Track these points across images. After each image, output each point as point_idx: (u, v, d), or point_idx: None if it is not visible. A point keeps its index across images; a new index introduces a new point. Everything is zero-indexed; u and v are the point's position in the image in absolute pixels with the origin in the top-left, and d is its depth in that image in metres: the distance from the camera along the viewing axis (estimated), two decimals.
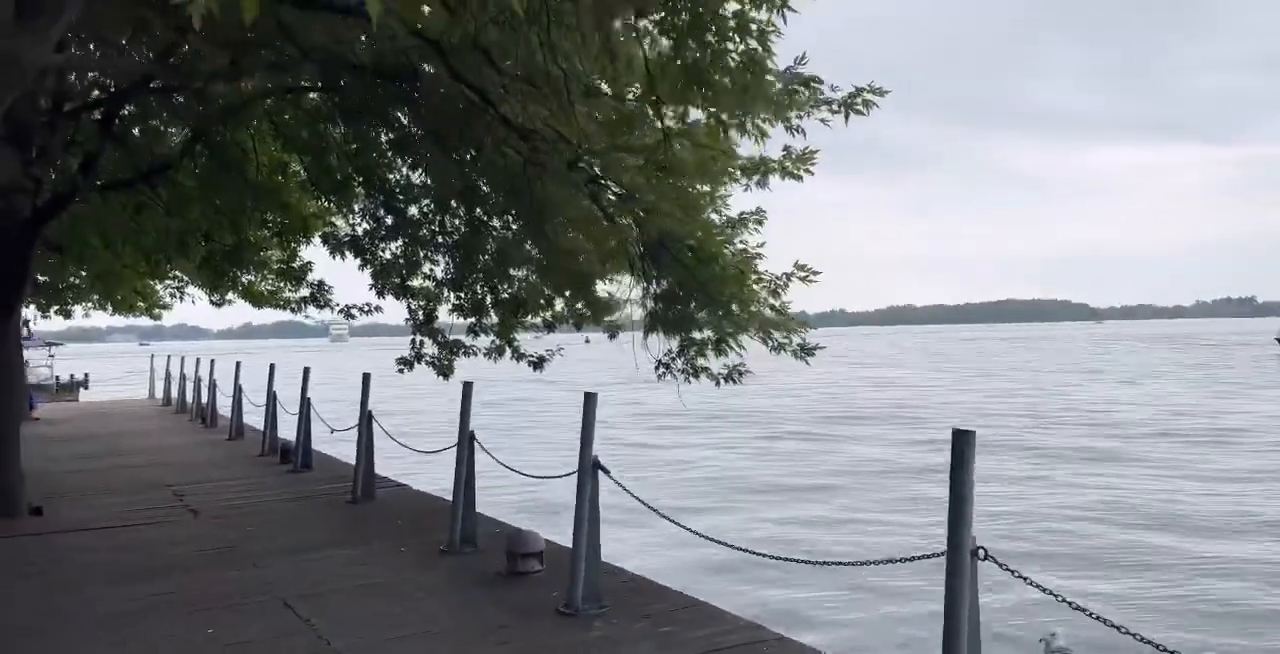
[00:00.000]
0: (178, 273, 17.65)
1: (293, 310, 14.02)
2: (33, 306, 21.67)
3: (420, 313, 10.96)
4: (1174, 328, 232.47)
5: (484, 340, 11.14)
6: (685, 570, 10.73)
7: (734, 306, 6.60)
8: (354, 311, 10.78)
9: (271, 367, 13.76)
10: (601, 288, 10.83)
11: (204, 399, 19.71)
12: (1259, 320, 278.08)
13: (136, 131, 9.12)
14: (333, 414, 12.58)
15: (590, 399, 5.85)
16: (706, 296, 6.76)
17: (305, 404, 11.99)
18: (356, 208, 10.38)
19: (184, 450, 14.66)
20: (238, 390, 16.32)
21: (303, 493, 10.27)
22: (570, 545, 5.77)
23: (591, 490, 5.72)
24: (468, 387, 7.50)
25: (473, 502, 7.47)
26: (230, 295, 14.61)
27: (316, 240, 11.48)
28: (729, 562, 10.83)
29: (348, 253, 10.86)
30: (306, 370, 12.09)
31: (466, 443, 7.47)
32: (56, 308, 21.76)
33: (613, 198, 6.97)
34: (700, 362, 7.48)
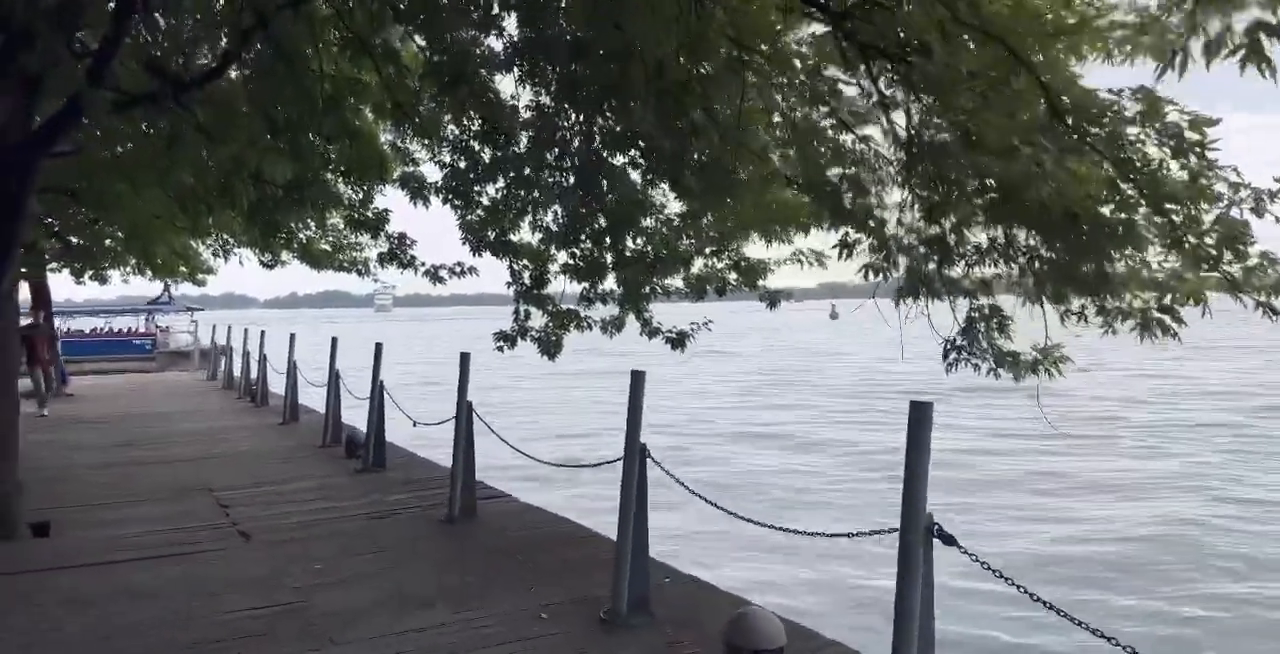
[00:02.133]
0: (223, 235, 15.56)
1: (359, 272, 11.78)
2: (66, 271, 19.71)
3: (526, 275, 8.59)
4: None
5: (601, 310, 8.84)
6: None
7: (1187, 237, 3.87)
8: (443, 273, 8.42)
9: (334, 341, 11.50)
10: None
11: (253, 374, 17.60)
12: None
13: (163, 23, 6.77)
14: (402, 395, 10.26)
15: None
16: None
17: (378, 389, 9.70)
18: (448, 138, 7.99)
19: (231, 437, 12.49)
20: (292, 367, 14.09)
21: (381, 505, 7.98)
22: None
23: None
24: (638, 378, 5.10)
25: (644, 544, 5.10)
26: (284, 255, 12.36)
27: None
28: None
29: (434, 198, 8.51)
30: (379, 347, 9.78)
31: (637, 456, 5.08)
32: (91, 273, 19.75)
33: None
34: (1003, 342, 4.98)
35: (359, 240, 11.00)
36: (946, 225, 5.09)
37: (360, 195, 8.36)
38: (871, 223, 5.69)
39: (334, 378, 11.62)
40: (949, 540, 3.46)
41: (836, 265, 6.07)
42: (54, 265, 19.35)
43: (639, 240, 8.27)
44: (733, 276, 8.23)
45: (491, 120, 7.62)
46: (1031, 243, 4.66)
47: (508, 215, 8.41)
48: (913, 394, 4.47)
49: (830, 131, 5.97)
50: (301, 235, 11.04)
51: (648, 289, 8.18)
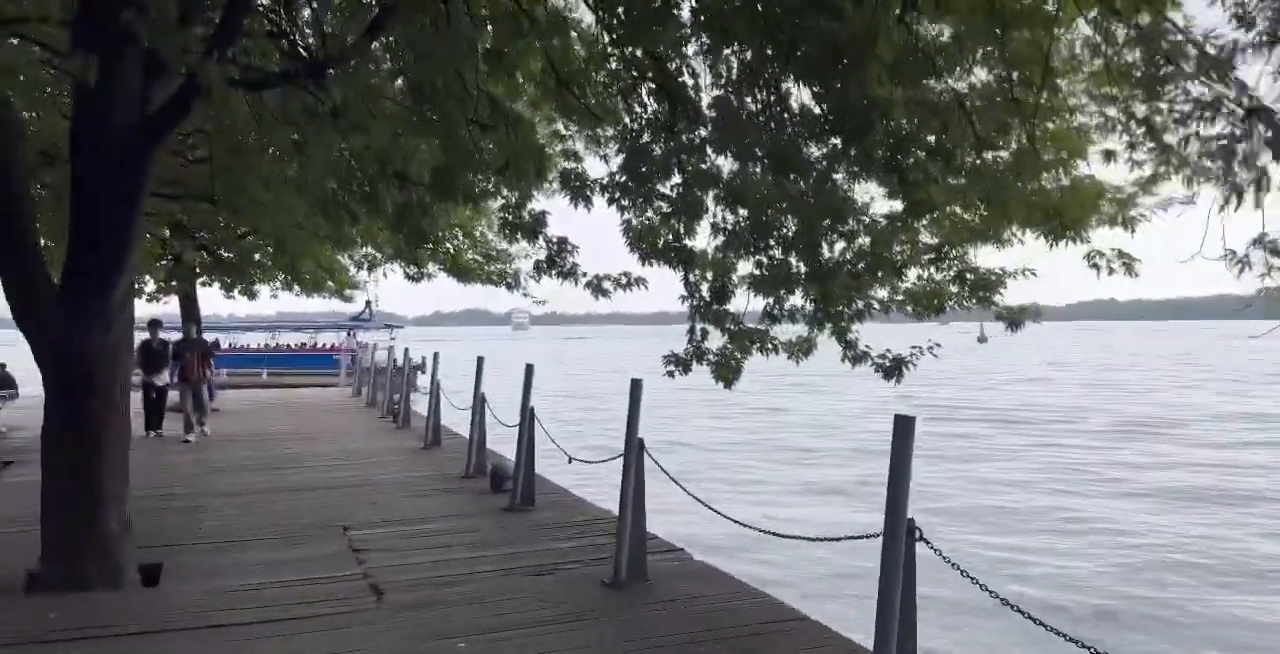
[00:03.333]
0: (368, 248, 14.92)
1: (509, 285, 10.75)
2: (216, 285, 19.59)
3: (704, 287, 7.29)
4: None
5: (786, 328, 7.49)
6: None
7: None
8: (607, 285, 7.19)
9: (479, 361, 10.46)
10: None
11: (395, 394, 16.91)
12: None
13: None
14: (552, 421, 9.06)
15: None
16: None
17: (528, 416, 8.55)
18: (623, 123, 6.78)
19: (370, 462, 11.62)
20: (435, 387, 13.18)
21: (531, 558, 6.75)
22: None
23: None
24: (906, 423, 3.67)
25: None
26: (431, 267, 11.45)
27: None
28: None
29: (596, 198, 7.32)
30: (529, 370, 8.64)
31: (902, 535, 3.65)
32: (240, 287, 19.56)
33: None
34: None
35: (509, 249, 9.96)
36: None
37: (515, 196, 7.24)
38: None
39: (479, 402, 10.57)
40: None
41: None
42: (204, 279, 19.29)
43: (841, 245, 6.87)
44: (955, 289, 6.69)
45: (674, 100, 6.37)
46: None
47: (682, 217, 7.13)
48: None
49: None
50: (449, 245, 10.07)
51: (854, 305, 6.73)
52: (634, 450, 6.11)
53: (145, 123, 5.66)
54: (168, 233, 15.12)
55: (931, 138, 6.24)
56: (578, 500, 8.87)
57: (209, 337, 53.23)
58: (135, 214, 5.86)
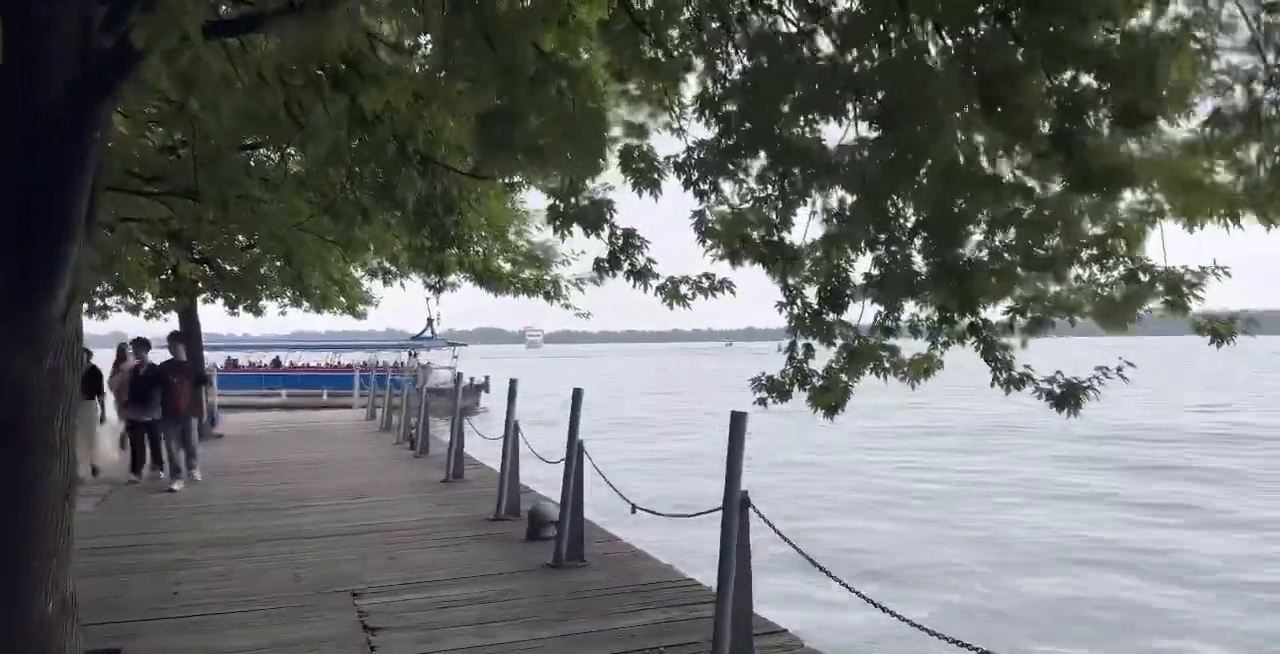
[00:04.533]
0: (382, 259, 13.51)
1: (547, 295, 9.30)
2: (220, 300, 18.22)
3: (809, 292, 5.81)
4: None
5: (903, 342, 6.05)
6: None
7: None
8: (685, 289, 5.70)
9: (513, 384, 8.98)
10: None
11: (412, 418, 15.44)
12: None
13: None
14: (598, 445, 7.53)
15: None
16: None
17: (575, 452, 7.07)
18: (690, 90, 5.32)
19: (385, 500, 10.14)
20: (457, 415, 11.69)
21: (591, 645, 5.25)
22: None
23: None
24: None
25: None
26: (454, 277, 10.01)
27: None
28: None
29: (665, 179, 5.86)
30: (577, 395, 7.15)
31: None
32: (246, 303, 18.19)
33: None
34: None
35: (552, 250, 8.51)
36: None
37: (569, 178, 5.75)
38: None
39: (512, 429, 9.08)
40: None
41: None
42: (206, 295, 17.93)
43: (979, 237, 5.39)
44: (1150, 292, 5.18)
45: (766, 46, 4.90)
46: None
47: (780, 202, 5.67)
48: None
49: None
50: (478, 247, 8.64)
51: (1026, 314, 5.23)
52: (736, 506, 4.61)
53: (87, 75, 4.22)
54: (167, 244, 13.74)
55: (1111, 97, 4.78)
56: (634, 553, 7.36)
57: (242, 355, 51.62)
58: (77, 202, 4.40)
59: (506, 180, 6.70)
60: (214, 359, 47.13)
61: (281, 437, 17.87)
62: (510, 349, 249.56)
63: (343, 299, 17.39)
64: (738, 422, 4.63)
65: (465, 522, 8.81)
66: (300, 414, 25.43)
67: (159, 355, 11.90)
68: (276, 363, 45.98)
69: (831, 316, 5.68)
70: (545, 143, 5.30)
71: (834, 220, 5.48)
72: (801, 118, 5.16)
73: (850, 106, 4.92)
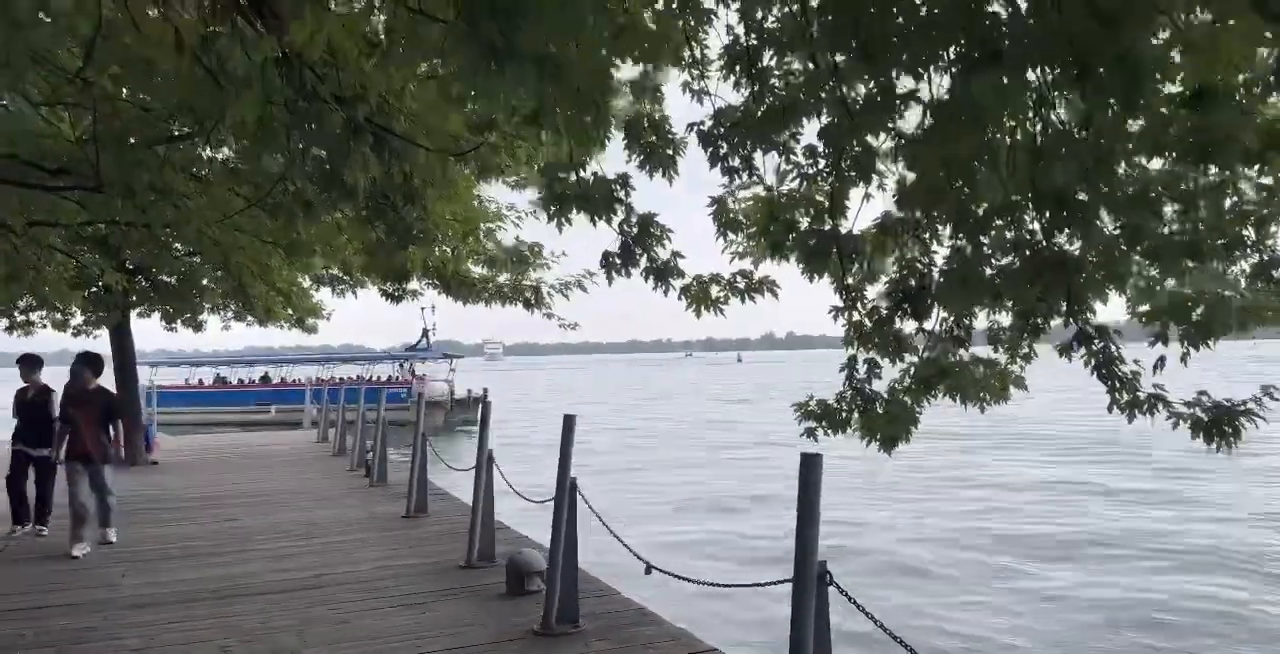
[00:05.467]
0: (331, 265, 12.16)
1: (527, 303, 8.03)
2: (157, 315, 16.69)
3: (871, 294, 4.66)
4: None
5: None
6: None
7: None
8: (716, 290, 4.50)
9: (484, 407, 7.71)
10: None
11: (369, 443, 14.03)
12: None
13: None
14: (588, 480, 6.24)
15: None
16: None
17: (567, 490, 5.81)
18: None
19: (335, 541, 8.80)
20: (420, 441, 10.33)
21: None
22: None
23: None
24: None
25: None
26: (415, 283, 8.71)
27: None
28: None
29: (683, 155, 4.67)
30: (569, 422, 5.89)
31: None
32: (185, 317, 16.69)
33: None
34: None
35: (523, 256, 7.26)
36: None
37: (566, 146, 4.52)
38: None
39: (486, 460, 7.80)
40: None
41: None
42: (141, 309, 16.40)
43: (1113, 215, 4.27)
44: None
45: None
46: None
47: (829, 182, 4.50)
48: None
49: None
50: (444, 247, 7.37)
51: (1175, 318, 4.10)
52: (811, 577, 3.40)
53: None
54: (88, 253, 12.26)
55: None
56: (640, 613, 6.11)
57: (225, 371, 49.35)
58: None
59: (483, 152, 5.41)
60: (200, 375, 45.58)
61: (224, 463, 16.34)
62: (469, 363, 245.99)
63: (289, 311, 15.97)
64: (810, 465, 3.42)
65: (430, 571, 7.50)
66: (247, 436, 23.80)
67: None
68: (265, 379, 44.54)
69: (902, 325, 4.50)
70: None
71: (908, 201, 4.32)
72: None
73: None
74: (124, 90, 6.01)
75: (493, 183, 6.69)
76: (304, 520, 9.96)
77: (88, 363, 8.72)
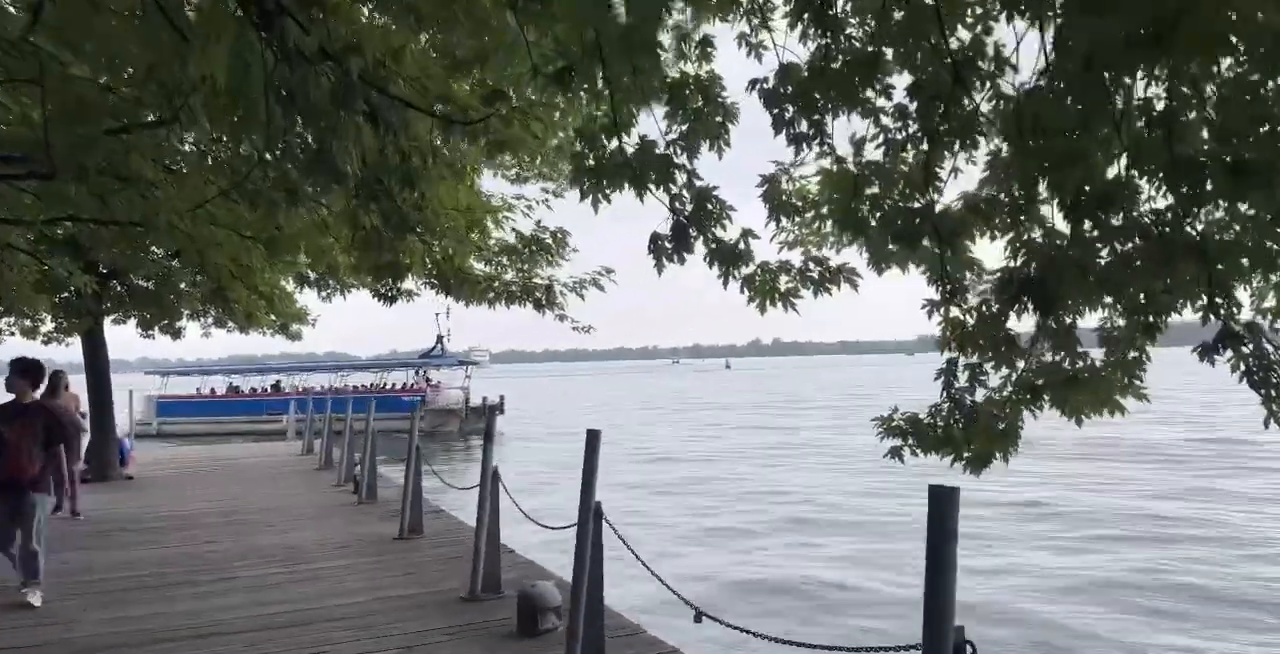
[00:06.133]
0: (319, 267, 11.34)
1: (537, 304, 7.23)
2: (134, 321, 15.81)
3: (978, 288, 3.89)
4: None
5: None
6: None
7: None
8: (785, 281, 3.73)
9: (490, 416, 6.90)
10: None
11: (357, 455, 13.18)
12: None
13: None
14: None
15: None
16: None
17: (591, 514, 5.02)
18: None
19: (321, 569, 7.97)
20: (414, 454, 9.49)
21: None
22: None
23: None
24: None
25: None
26: (411, 283, 7.90)
27: None
28: None
29: (735, 123, 3.90)
30: (593, 439, 5.10)
31: None
32: (163, 324, 15.82)
33: None
34: None
35: (538, 249, 6.48)
36: None
37: (608, 104, 3.76)
38: None
39: (491, 478, 6.99)
40: None
41: None
42: (116, 315, 15.51)
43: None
44: None
45: None
46: None
47: (922, 148, 3.74)
48: None
49: None
50: (441, 245, 6.58)
51: None
52: (945, 648, 2.62)
53: None
54: (54, 254, 11.39)
55: None
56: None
57: (236, 380, 48.55)
58: None
59: (494, 122, 4.62)
60: (212, 384, 44.53)
61: (202, 478, 15.44)
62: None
63: (271, 316, 15.10)
64: (943, 500, 2.65)
65: (430, 604, 6.68)
66: (227, 448, 22.86)
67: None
68: (278, 387, 43.74)
69: (1019, 322, 3.73)
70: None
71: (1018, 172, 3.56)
72: None
73: None
74: (73, 55, 5.20)
75: (503, 160, 5.91)
76: (287, 545, 9.11)
77: (22, 372, 7.18)
